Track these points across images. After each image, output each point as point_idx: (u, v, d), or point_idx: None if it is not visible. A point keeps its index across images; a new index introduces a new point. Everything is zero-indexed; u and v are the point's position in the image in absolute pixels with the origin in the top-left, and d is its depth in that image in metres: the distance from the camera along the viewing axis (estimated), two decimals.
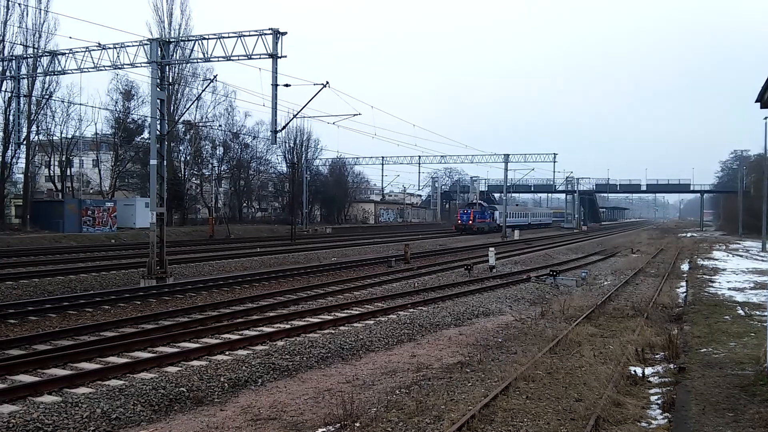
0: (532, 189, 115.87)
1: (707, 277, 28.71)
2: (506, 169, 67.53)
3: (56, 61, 27.86)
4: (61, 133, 55.21)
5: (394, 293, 22.01)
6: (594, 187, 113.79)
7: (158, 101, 25.14)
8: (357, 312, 18.05)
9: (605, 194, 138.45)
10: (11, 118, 47.60)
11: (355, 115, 32.38)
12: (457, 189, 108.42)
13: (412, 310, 18.97)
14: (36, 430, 8.52)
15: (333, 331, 15.48)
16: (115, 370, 11.27)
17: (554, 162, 72.38)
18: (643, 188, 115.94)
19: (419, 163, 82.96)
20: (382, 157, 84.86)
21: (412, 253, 35.09)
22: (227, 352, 13.03)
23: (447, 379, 11.68)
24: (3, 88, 46.04)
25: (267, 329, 15.41)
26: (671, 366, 12.26)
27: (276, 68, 23.55)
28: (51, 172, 58.59)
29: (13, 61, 33.44)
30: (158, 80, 24.88)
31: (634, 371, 11.81)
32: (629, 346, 13.67)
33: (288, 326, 15.77)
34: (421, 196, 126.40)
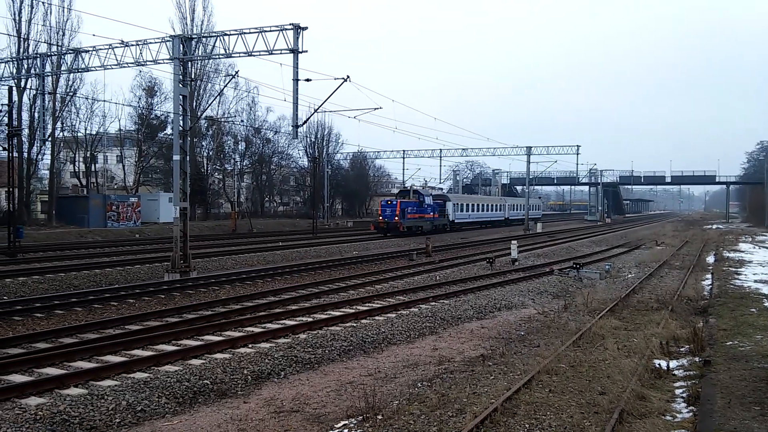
0: (555, 181, 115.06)
1: (733, 269, 28.30)
2: (528, 162, 67.05)
3: (80, 59, 28.15)
4: (86, 129, 56.04)
5: (416, 286, 21.99)
6: (618, 179, 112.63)
7: (181, 97, 25.32)
8: (378, 305, 18.06)
9: (629, 186, 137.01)
10: (36, 115, 48.33)
11: (375, 109, 32.27)
12: (479, 182, 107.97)
13: (433, 303, 18.95)
14: (62, 422, 8.64)
15: (355, 325, 15.52)
16: (140, 362, 11.40)
17: (577, 154, 71.46)
18: (668, 180, 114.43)
19: (440, 156, 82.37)
20: (403, 151, 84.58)
21: (433, 246, 35.03)
22: (250, 345, 13.12)
23: (469, 372, 11.65)
24: (28, 86, 46.74)
25: (289, 322, 15.49)
26: (696, 359, 12.11)
27: (297, 63, 23.59)
28: (76, 168, 59.43)
29: (38, 59, 33.91)
30: (181, 76, 25.06)
31: (659, 364, 11.69)
32: (654, 339, 13.53)
33: (310, 319, 15.85)
34: (442, 189, 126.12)
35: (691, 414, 9.10)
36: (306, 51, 23.37)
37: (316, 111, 30.15)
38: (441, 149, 78.34)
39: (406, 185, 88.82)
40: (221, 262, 28.81)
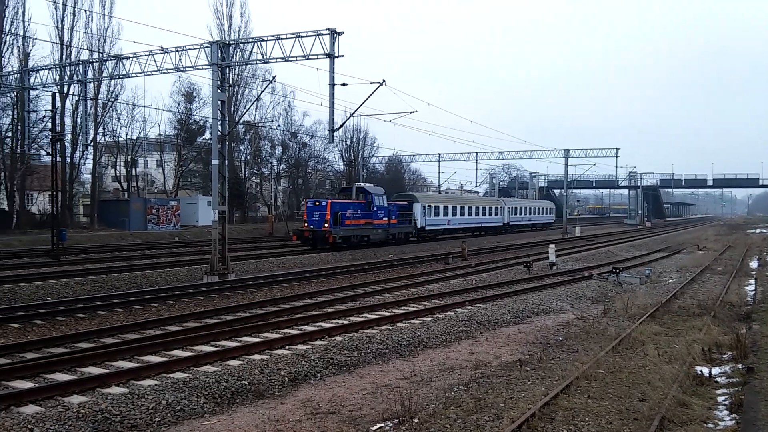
0: (594, 184, 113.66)
1: None
2: (566, 164, 66.40)
3: (121, 65, 28.76)
4: (127, 134, 57.25)
5: (452, 290, 21.91)
6: (658, 182, 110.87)
7: (219, 102, 25.68)
8: (414, 309, 18.05)
9: (669, 189, 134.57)
10: (79, 120, 49.57)
11: (411, 112, 32.38)
12: (516, 185, 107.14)
13: (469, 307, 18.85)
14: (104, 421, 8.81)
15: (390, 328, 15.53)
16: (179, 363, 11.58)
17: (616, 157, 70.55)
18: (710, 183, 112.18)
19: (476, 160, 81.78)
20: (439, 154, 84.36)
21: (469, 250, 34.86)
22: (287, 347, 13.23)
23: (506, 377, 11.56)
24: (71, 92, 47.92)
25: (325, 325, 15.57)
26: (739, 366, 11.83)
27: (333, 68, 23.76)
28: (117, 172, 60.75)
29: (80, 66, 34.75)
30: (219, 82, 25.42)
31: (701, 371, 11.44)
32: (695, 346, 13.25)
33: (346, 322, 15.91)
34: (478, 192, 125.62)
35: (733, 422, 8.89)
36: (342, 56, 23.54)
37: (352, 115, 30.36)
38: (477, 152, 77.89)
39: (441, 188, 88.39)
40: (258, 265, 29.10)
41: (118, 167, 60.33)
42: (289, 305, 18.49)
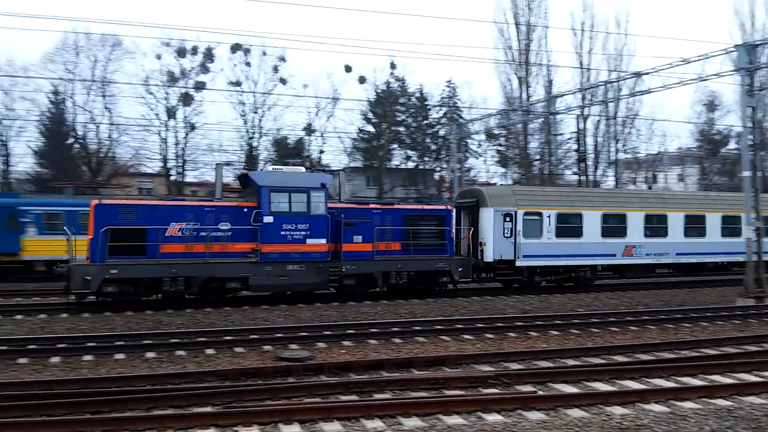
0: None
1: None
2: None
3: (639, 81, 29.22)
4: (646, 149, 57.44)
5: None
6: None
7: (749, 110, 23.86)
8: None
9: None
10: (600, 139, 51.90)
11: None
12: None
13: None
14: None
15: None
16: (720, 389, 10.92)
17: None
18: None
19: None
20: None
21: None
22: None
23: None
24: (591, 113, 50.61)
25: None
26: None
27: None
28: (636, 186, 61.30)
29: (599, 87, 36.45)
30: (747, 87, 23.64)
31: None
32: None
33: None
34: None
35: None
36: None
37: None
38: None
39: None
40: None
41: (636, 183, 60.97)
42: None
